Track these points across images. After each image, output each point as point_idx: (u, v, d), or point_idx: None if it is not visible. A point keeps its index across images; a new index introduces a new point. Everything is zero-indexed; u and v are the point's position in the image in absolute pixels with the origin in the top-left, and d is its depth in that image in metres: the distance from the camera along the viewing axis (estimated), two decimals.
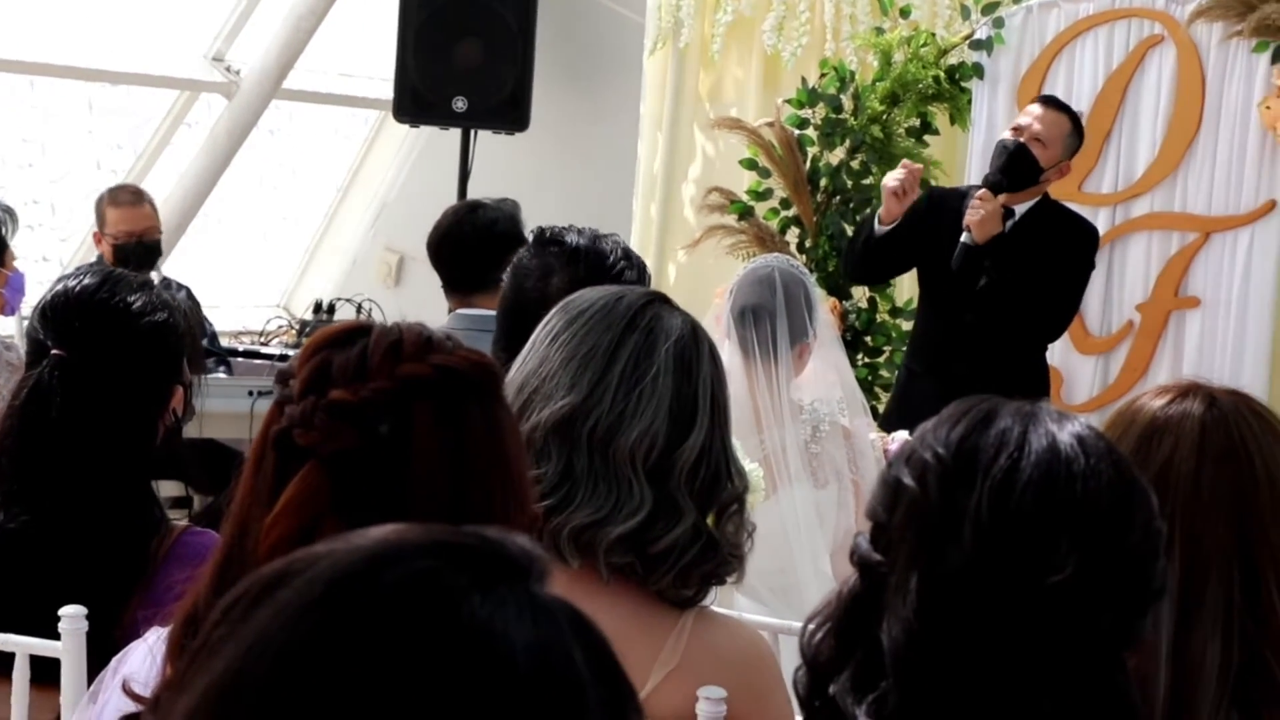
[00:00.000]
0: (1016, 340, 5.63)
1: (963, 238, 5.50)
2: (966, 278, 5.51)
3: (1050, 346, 5.86)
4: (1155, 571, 1.59)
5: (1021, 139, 5.61)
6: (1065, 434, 1.59)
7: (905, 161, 5.87)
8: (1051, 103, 5.81)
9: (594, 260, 3.12)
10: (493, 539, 0.97)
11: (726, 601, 3.51)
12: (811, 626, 1.67)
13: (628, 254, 3.19)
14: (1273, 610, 1.88)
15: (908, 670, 1.57)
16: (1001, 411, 1.61)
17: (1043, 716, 1.54)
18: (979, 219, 5.47)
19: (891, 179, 5.68)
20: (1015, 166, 5.57)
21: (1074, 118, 5.75)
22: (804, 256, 6.90)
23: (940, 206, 5.75)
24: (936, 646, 1.55)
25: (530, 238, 3.22)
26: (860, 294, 7.08)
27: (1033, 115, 5.68)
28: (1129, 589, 1.57)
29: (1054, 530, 1.54)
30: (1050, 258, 5.54)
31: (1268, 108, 6.19)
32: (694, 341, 2.21)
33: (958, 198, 5.71)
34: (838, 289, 6.94)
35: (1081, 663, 1.55)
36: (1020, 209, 5.62)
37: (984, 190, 5.56)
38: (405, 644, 0.90)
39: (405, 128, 8.75)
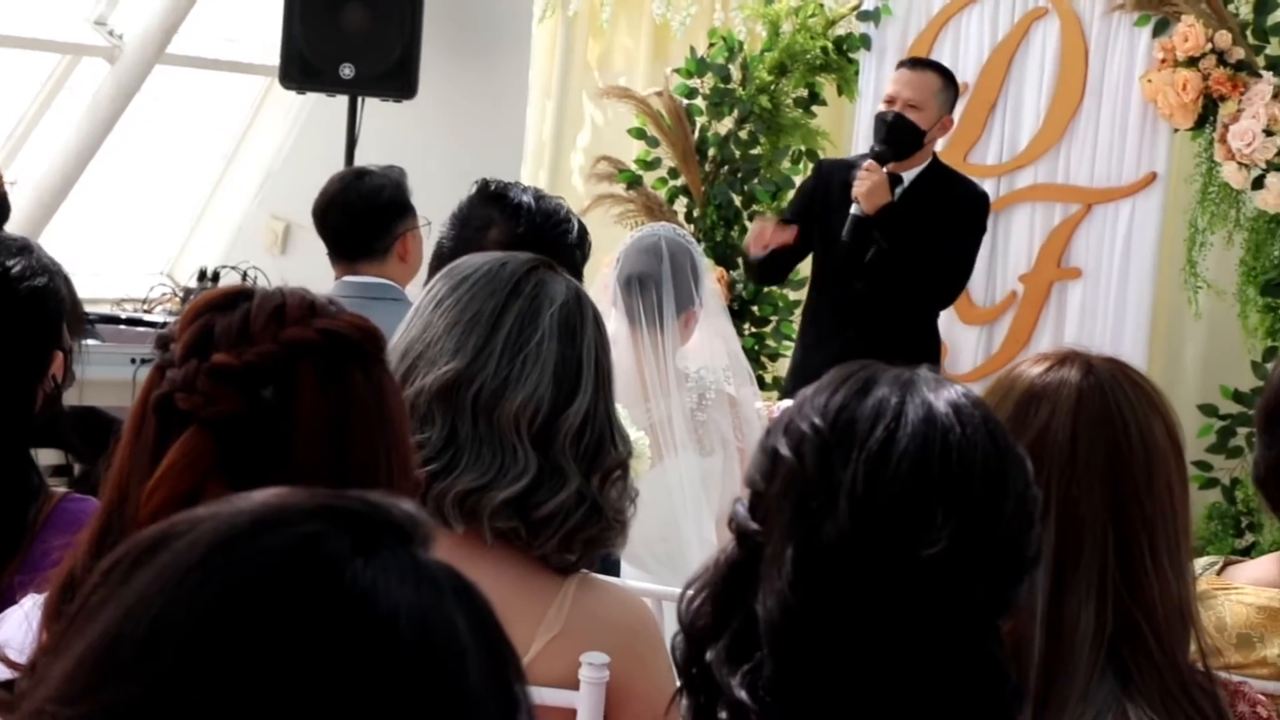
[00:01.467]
0: (908, 307, 5.66)
1: (851, 209, 5.52)
2: (856, 249, 5.54)
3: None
4: (1030, 540, 1.60)
5: (896, 108, 5.63)
6: (941, 403, 1.59)
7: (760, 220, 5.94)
8: (914, 64, 5.83)
9: (535, 218, 3.12)
10: (376, 503, 0.96)
11: None
12: (690, 593, 1.67)
13: (569, 216, 3.20)
14: (1145, 575, 1.91)
15: (782, 642, 1.56)
16: (880, 379, 1.61)
17: (916, 687, 1.55)
18: (866, 190, 5.49)
19: (750, 236, 5.81)
20: (896, 136, 5.59)
21: (941, 71, 5.77)
22: (692, 226, 6.92)
23: (829, 180, 5.79)
24: (811, 619, 1.55)
25: (474, 188, 3.21)
26: None
27: (900, 83, 5.69)
28: (1004, 558, 1.58)
29: (929, 502, 1.54)
30: (941, 224, 5.57)
31: (1149, 81, 6.26)
32: (578, 307, 2.22)
33: (845, 168, 5.73)
34: (725, 258, 6.96)
35: (955, 633, 1.56)
36: (909, 175, 5.65)
37: (870, 161, 5.58)
38: (286, 608, 0.89)
39: (292, 94, 8.66)
